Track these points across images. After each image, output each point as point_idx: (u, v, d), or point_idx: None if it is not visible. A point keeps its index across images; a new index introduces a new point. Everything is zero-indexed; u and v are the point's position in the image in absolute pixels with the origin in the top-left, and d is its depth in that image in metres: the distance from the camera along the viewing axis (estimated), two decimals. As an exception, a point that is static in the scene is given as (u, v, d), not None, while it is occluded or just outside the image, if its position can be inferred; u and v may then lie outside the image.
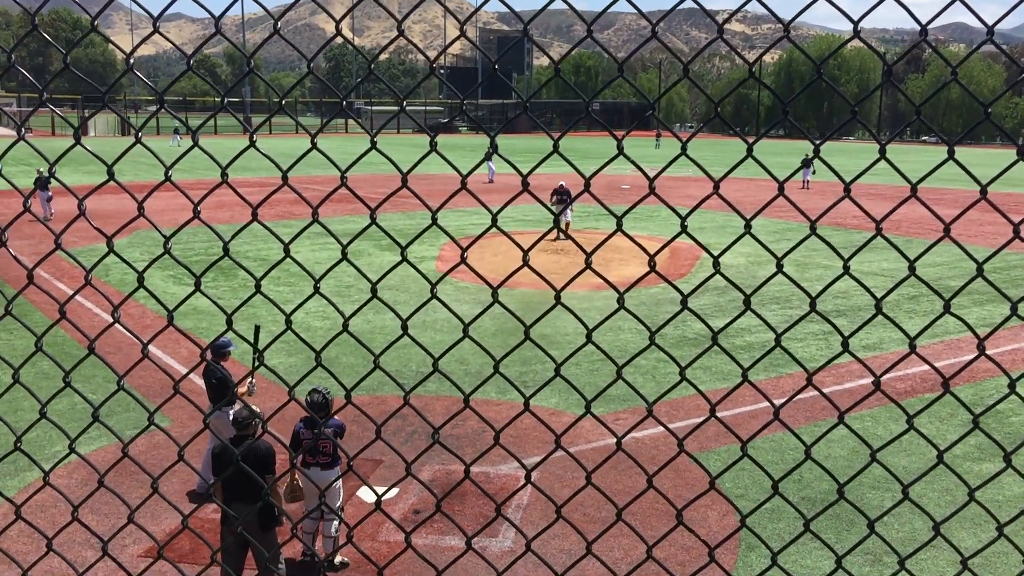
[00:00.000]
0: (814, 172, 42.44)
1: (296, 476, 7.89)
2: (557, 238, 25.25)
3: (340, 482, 7.98)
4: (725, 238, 26.27)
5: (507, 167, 45.16)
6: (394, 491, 9.49)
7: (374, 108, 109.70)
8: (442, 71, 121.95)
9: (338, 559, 8.02)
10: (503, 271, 19.69)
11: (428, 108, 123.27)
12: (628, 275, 20.05)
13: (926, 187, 36.92)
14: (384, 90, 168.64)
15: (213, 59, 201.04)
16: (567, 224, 25.06)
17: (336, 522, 7.94)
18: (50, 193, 28.00)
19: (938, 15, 1.64)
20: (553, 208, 24.15)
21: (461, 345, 15.05)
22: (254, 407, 7.51)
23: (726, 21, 1.67)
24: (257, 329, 8.40)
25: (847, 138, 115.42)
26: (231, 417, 7.68)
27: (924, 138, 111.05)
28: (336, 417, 8.21)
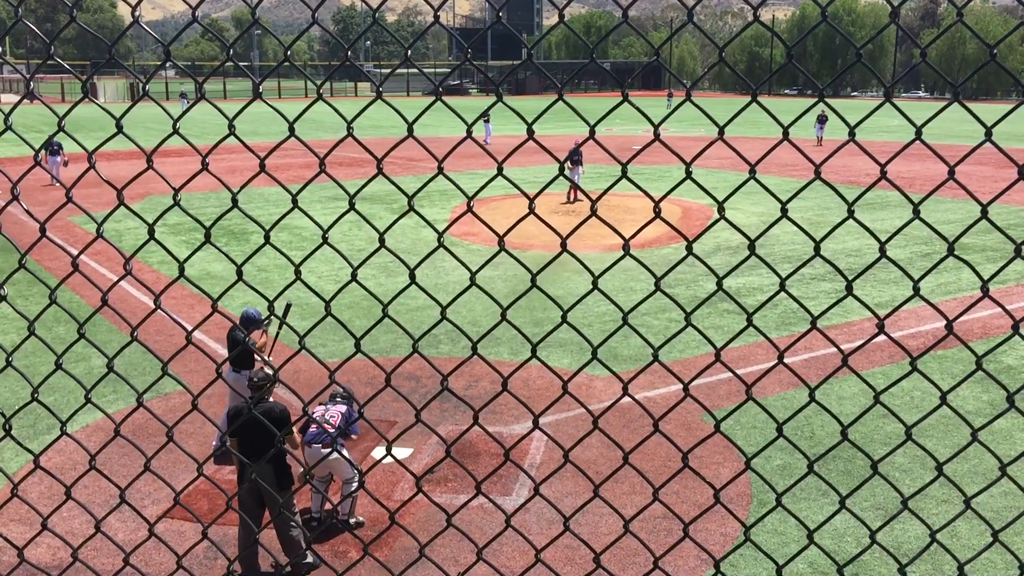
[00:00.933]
0: (824, 130, 42.00)
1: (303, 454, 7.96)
2: (568, 200, 25.20)
3: (345, 453, 8.05)
4: (738, 198, 26.15)
5: (509, 128, 44.85)
6: (408, 451, 9.58)
7: (383, 72, 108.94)
8: (454, 31, 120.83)
9: (353, 519, 8.12)
10: (516, 234, 19.67)
11: (438, 71, 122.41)
12: (641, 236, 19.99)
13: (948, 144, 36.54)
14: (393, 52, 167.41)
15: (221, 23, 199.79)
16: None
17: (355, 484, 8.05)
18: (60, 159, 27.91)
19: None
20: (567, 171, 24.07)
21: (473, 307, 15.15)
22: (269, 370, 7.58)
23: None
24: (287, 308, 8.49)
25: (859, 95, 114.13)
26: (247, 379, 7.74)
27: (937, 94, 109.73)
28: (352, 403, 8.27)
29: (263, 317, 9.34)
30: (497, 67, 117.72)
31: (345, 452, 8.05)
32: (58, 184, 27.79)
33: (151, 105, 76.55)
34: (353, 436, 9.48)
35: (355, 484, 8.06)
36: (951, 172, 1.72)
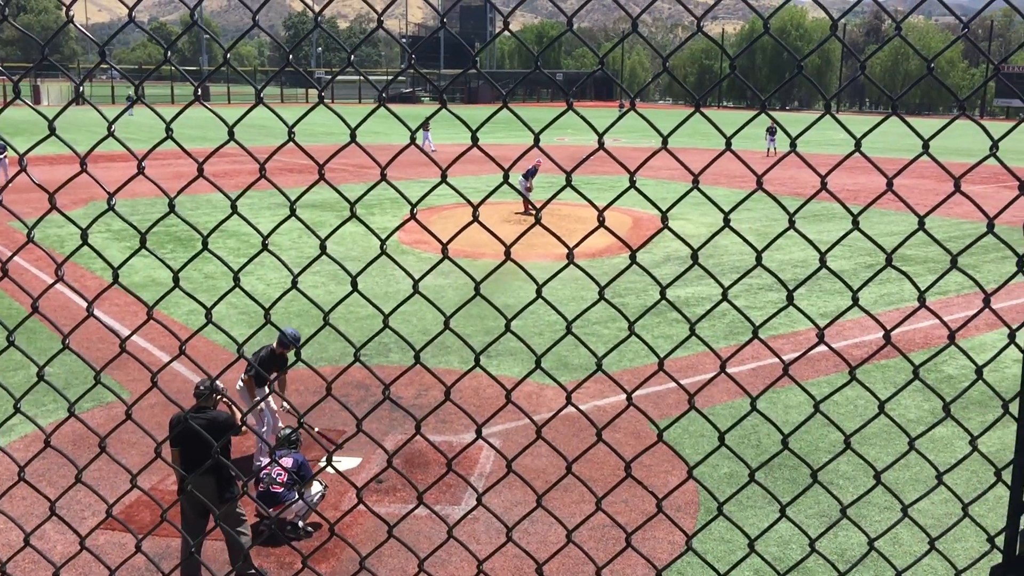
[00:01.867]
0: (776, 145, 42.68)
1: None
2: (524, 211, 25.21)
3: (306, 493, 8.04)
4: (687, 208, 26.41)
5: (461, 137, 44.77)
6: (356, 460, 9.49)
7: (336, 77, 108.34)
8: (404, 39, 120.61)
9: (302, 523, 8.04)
10: (466, 242, 19.65)
11: (389, 79, 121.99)
12: (593, 246, 20.09)
13: (890, 158, 37.29)
14: (345, 60, 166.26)
15: (170, 26, 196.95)
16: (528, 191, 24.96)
17: (317, 496, 8.03)
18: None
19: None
20: (518, 183, 24.10)
21: (424, 316, 15.05)
22: (218, 383, 7.48)
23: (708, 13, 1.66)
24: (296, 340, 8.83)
25: (807, 109, 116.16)
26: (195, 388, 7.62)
27: (882, 108, 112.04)
28: (299, 453, 8.20)
29: (298, 342, 9.27)
30: (449, 75, 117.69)
31: (306, 492, 7.98)
32: None
33: (101, 108, 75.15)
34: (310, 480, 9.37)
35: (317, 497, 8.04)
36: (889, 184, 1.74)
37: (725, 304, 13.34)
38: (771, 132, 42.61)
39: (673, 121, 69.07)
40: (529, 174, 24.66)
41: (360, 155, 30.74)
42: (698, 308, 15.21)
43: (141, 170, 1.58)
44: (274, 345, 9.29)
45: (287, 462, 7.95)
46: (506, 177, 1.65)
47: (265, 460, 9.01)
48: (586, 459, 9.36)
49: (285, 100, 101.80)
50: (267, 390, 9.03)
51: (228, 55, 1.62)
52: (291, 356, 9.33)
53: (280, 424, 9.34)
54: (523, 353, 12.60)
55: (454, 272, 16.50)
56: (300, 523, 7.99)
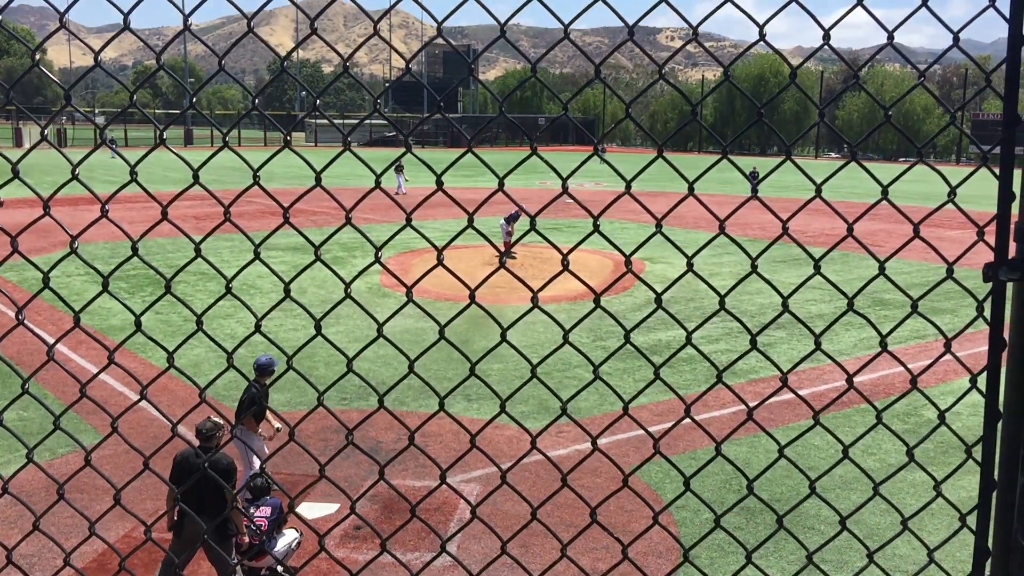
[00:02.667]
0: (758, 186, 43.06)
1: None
2: (504, 255, 25.12)
3: (282, 542, 7.97)
4: (668, 251, 26.55)
5: (430, 182, 45.08)
6: (334, 506, 9.38)
7: (318, 121, 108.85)
8: (387, 84, 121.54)
9: (281, 568, 7.96)
10: (451, 284, 19.65)
11: (373, 122, 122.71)
12: (572, 289, 20.13)
13: (862, 203, 37.74)
14: (329, 103, 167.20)
15: (153, 69, 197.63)
16: (510, 236, 24.86)
17: (295, 543, 7.97)
18: None
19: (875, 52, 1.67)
20: (508, 234, 24.05)
21: (403, 359, 15.08)
22: (218, 419, 7.46)
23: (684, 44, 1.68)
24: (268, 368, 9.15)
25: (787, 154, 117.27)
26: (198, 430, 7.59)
27: (861, 154, 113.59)
28: (274, 498, 8.16)
29: (273, 365, 9.26)
30: (434, 120, 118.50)
31: (281, 541, 7.90)
32: None
33: (83, 151, 75.13)
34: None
35: (294, 543, 7.97)
36: (849, 229, 1.76)
37: (708, 347, 13.33)
38: (753, 176, 43.11)
39: (655, 165, 69.52)
40: (511, 219, 24.71)
41: (345, 198, 30.85)
42: (681, 352, 15.23)
43: (104, 213, 1.57)
44: (255, 379, 9.24)
45: (265, 511, 7.89)
46: (470, 222, 1.65)
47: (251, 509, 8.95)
48: (567, 505, 9.29)
49: (269, 143, 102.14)
50: (260, 430, 9.04)
51: (193, 99, 1.63)
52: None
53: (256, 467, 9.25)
54: (502, 395, 12.55)
55: (436, 315, 16.48)
56: (279, 568, 7.91)
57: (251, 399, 8.93)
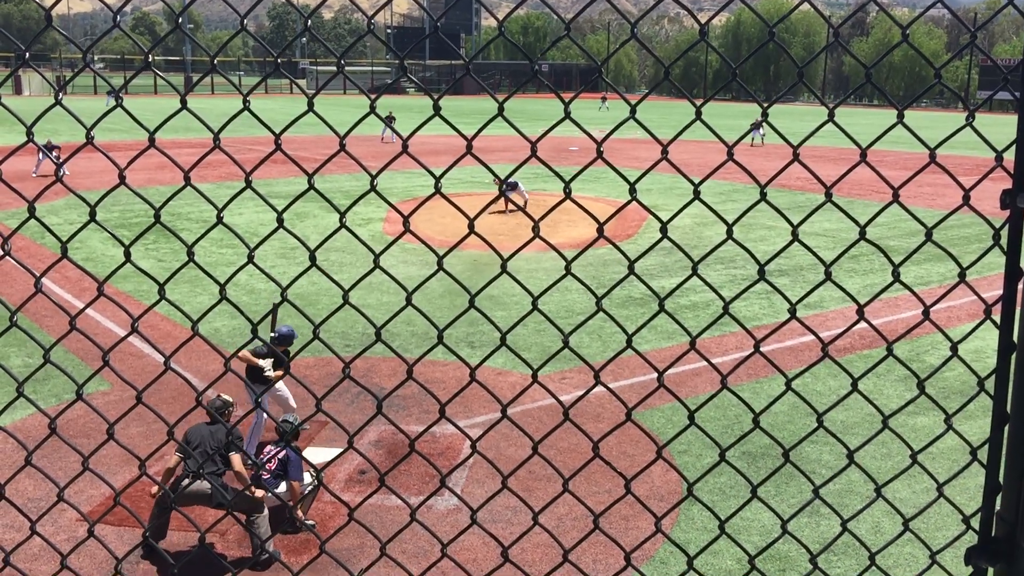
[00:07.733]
0: (764, 135, 42.87)
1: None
2: (506, 211, 24.52)
3: (282, 486, 8.05)
4: (672, 200, 26.48)
5: (443, 128, 44.70)
6: (338, 450, 9.47)
7: (319, 68, 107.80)
8: (389, 31, 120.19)
9: (302, 516, 8.10)
10: (452, 232, 19.62)
11: (375, 69, 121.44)
12: (576, 237, 20.11)
13: (873, 150, 37.50)
14: (328, 51, 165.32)
15: (152, 17, 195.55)
16: (525, 203, 24.20)
17: (308, 487, 8.05)
18: (55, 154, 27.02)
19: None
20: (503, 189, 23.59)
21: (407, 310, 15.13)
22: (227, 396, 7.92)
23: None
24: (275, 307, 9.05)
25: (793, 101, 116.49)
26: (209, 402, 7.80)
27: (866, 101, 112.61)
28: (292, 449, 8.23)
29: (294, 336, 9.38)
30: (435, 67, 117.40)
31: (282, 486, 7.96)
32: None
33: (81, 99, 74.55)
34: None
35: (310, 488, 8.03)
36: (895, 194, 1.74)
37: (710, 295, 13.35)
38: (756, 126, 42.76)
39: (658, 112, 69.16)
40: (512, 187, 23.89)
41: (348, 146, 30.63)
42: (682, 299, 15.24)
43: (122, 180, 1.56)
44: (277, 347, 9.32)
45: (281, 454, 7.99)
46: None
47: (254, 449, 9.11)
48: (570, 450, 9.37)
49: (270, 91, 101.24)
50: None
51: (215, 61, 1.60)
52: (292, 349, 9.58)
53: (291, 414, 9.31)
54: (510, 343, 12.59)
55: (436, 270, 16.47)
56: (299, 515, 8.05)
57: (276, 359, 9.21)
